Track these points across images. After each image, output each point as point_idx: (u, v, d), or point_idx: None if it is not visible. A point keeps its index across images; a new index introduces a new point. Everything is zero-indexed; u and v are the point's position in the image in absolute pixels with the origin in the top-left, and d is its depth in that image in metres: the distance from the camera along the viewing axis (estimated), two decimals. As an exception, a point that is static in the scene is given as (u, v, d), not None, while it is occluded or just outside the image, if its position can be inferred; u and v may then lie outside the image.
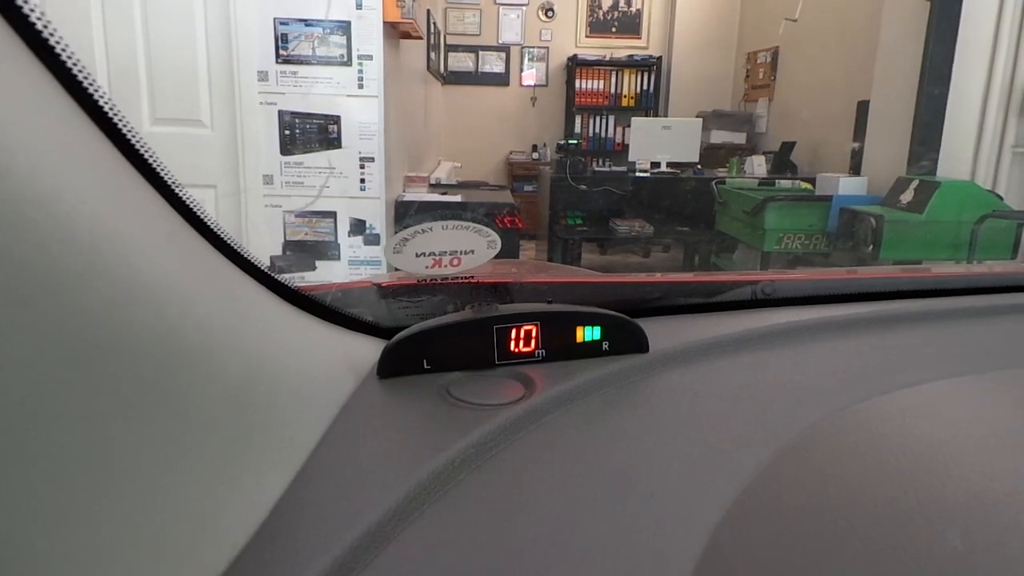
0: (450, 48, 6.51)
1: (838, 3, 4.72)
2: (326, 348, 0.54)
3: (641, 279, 0.88)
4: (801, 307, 0.74)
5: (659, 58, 6.63)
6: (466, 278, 0.60)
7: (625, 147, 5.38)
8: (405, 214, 3.25)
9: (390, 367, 0.56)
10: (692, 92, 6.53)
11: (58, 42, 0.31)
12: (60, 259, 0.27)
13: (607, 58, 6.62)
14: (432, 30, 4.92)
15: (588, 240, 4.89)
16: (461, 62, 6.63)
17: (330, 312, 0.57)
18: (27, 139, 0.27)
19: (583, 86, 6.60)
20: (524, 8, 6.63)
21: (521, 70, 6.75)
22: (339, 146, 2.91)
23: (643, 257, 5.86)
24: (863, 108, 3.95)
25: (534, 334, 0.58)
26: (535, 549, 0.36)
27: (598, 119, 6.68)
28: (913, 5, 3.43)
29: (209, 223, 0.41)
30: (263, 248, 2.95)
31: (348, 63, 2.84)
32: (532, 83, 6.77)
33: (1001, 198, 3.22)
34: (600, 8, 6.69)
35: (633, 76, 6.64)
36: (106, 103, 0.34)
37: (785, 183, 4.32)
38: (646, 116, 6.39)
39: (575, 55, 6.62)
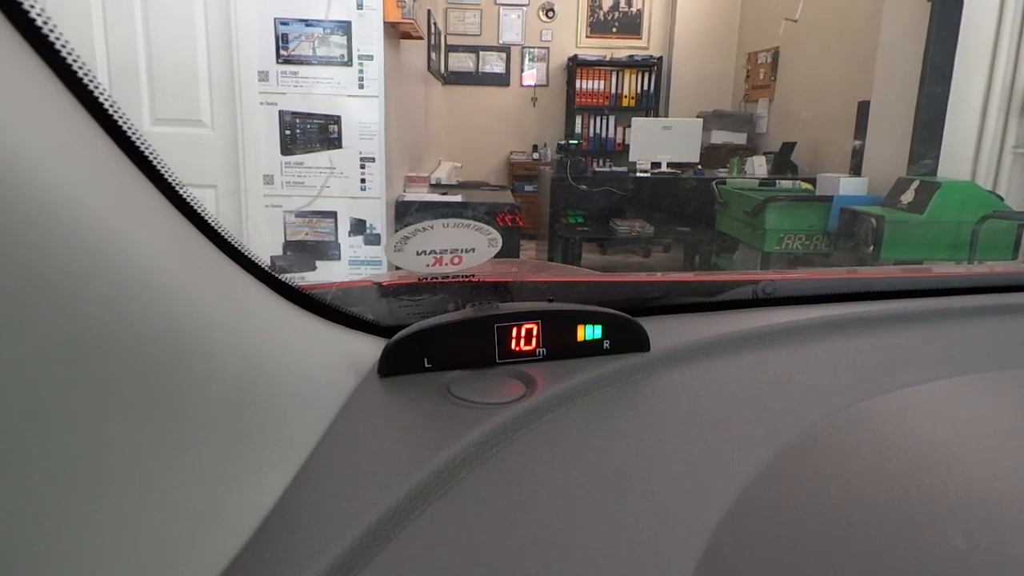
0: (451, 48, 6.51)
1: (838, 3, 4.72)
2: (326, 347, 0.54)
3: (642, 278, 0.88)
4: (802, 306, 0.74)
5: (659, 58, 6.63)
6: (467, 277, 0.60)
7: (625, 147, 5.38)
8: (405, 214, 3.25)
9: (391, 366, 0.56)
10: (692, 92, 6.53)
11: (58, 39, 0.31)
12: (61, 258, 0.27)
13: (607, 58, 6.62)
14: (433, 30, 4.92)
15: (588, 240, 4.89)
16: (462, 62, 6.63)
17: (331, 311, 0.57)
18: (29, 138, 0.27)
19: (583, 86, 6.60)
20: (525, 8, 6.63)
21: (522, 70, 6.75)
22: (339, 146, 2.91)
23: (643, 257, 5.86)
24: (864, 108, 3.95)
25: (535, 333, 0.58)
26: (536, 548, 0.36)
27: (598, 119, 6.68)
28: (914, 5, 3.43)
29: (210, 222, 0.41)
30: (263, 248, 2.95)
31: (349, 63, 2.84)
32: (533, 83, 6.77)
33: (1002, 199, 3.22)
34: (600, 8, 6.69)
35: (634, 76, 6.64)
36: (107, 102, 0.34)
37: (786, 183, 4.32)
38: (647, 116, 6.39)
39: (575, 55, 6.62)
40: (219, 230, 0.42)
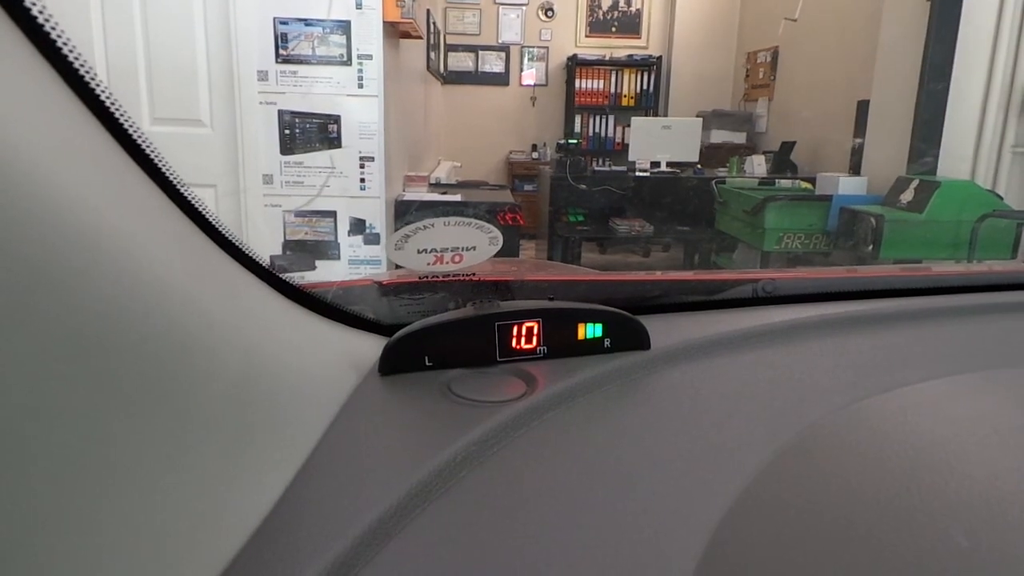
0: (450, 48, 6.50)
1: (838, 3, 4.72)
2: (327, 345, 0.54)
3: (642, 277, 0.88)
4: (801, 305, 0.74)
5: (659, 58, 6.62)
6: (467, 275, 0.59)
7: (625, 147, 5.38)
8: (405, 213, 3.24)
9: (391, 364, 0.56)
10: (692, 92, 6.52)
11: (59, 36, 0.30)
12: (62, 255, 0.27)
13: (607, 58, 6.62)
14: (432, 30, 4.92)
15: (588, 239, 4.89)
16: (461, 62, 6.63)
17: (331, 309, 0.57)
18: (30, 135, 0.27)
19: (583, 86, 6.60)
20: (524, 8, 6.63)
21: (521, 70, 6.75)
22: (339, 145, 2.91)
23: (643, 256, 5.86)
24: (863, 108, 3.95)
25: (536, 331, 0.58)
26: (536, 546, 0.36)
27: (598, 119, 6.68)
28: (913, 4, 3.43)
29: (211, 220, 0.41)
30: (263, 247, 2.95)
31: (348, 63, 2.84)
32: (532, 83, 6.77)
33: (1001, 198, 3.23)
34: (600, 8, 6.69)
35: (633, 76, 6.64)
36: (109, 100, 0.34)
37: (785, 183, 4.32)
38: (646, 116, 6.39)
39: (575, 55, 6.62)
40: (220, 229, 0.42)
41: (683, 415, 0.51)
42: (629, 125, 4.94)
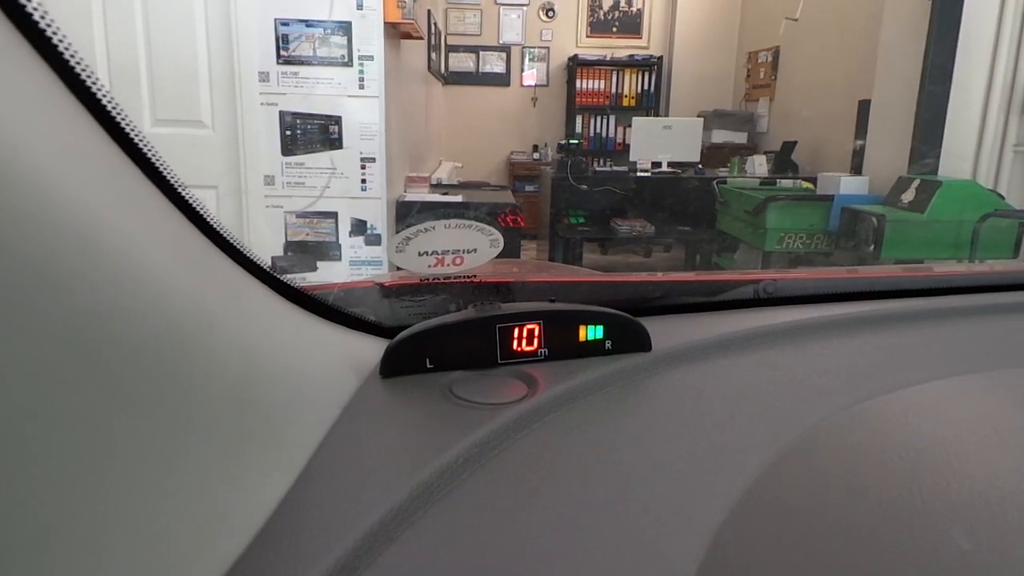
0: (451, 48, 6.51)
1: (839, 2, 4.72)
2: (328, 347, 0.54)
3: (643, 278, 0.88)
4: (803, 306, 0.74)
5: (660, 58, 6.62)
6: (468, 277, 0.59)
7: (626, 147, 5.38)
8: (406, 214, 3.25)
9: (393, 366, 0.56)
10: (693, 92, 6.52)
11: (61, 40, 0.31)
12: (62, 257, 0.27)
13: (608, 58, 6.62)
14: (433, 30, 4.92)
15: (589, 240, 4.89)
16: (462, 62, 6.63)
17: (332, 311, 0.57)
18: (30, 137, 0.27)
19: (584, 86, 6.60)
20: (525, 8, 6.63)
21: (522, 70, 6.75)
22: (340, 146, 2.91)
23: (644, 257, 5.85)
24: (864, 107, 3.94)
25: (537, 333, 0.58)
26: (538, 548, 0.36)
27: (599, 119, 6.68)
28: (914, 4, 3.43)
29: (212, 222, 0.41)
30: (264, 248, 2.95)
31: (349, 64, 2.84)
32: (533, 83, 6.77)
33: (1003, 197, 3.22)
34: (601, 8, 6.69)
35: (634, 76, 6.64)
36: (109, 102, 0.34)
37: (786, 183, 4.32)
38: (647, 116, 6.39)
39: (576, 55, 6.62)
40: (221, 231, 0.42)
41: (684, 417, 0.51)
42: (630, 125, 4.94)
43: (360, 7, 2.80)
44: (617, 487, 0.42)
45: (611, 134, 6.67)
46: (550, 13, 6.68)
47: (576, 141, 6.03)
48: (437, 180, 4.27)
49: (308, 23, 2.80)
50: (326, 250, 3.02)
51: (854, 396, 0.52)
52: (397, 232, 0.54)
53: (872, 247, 3.19)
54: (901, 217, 3.19)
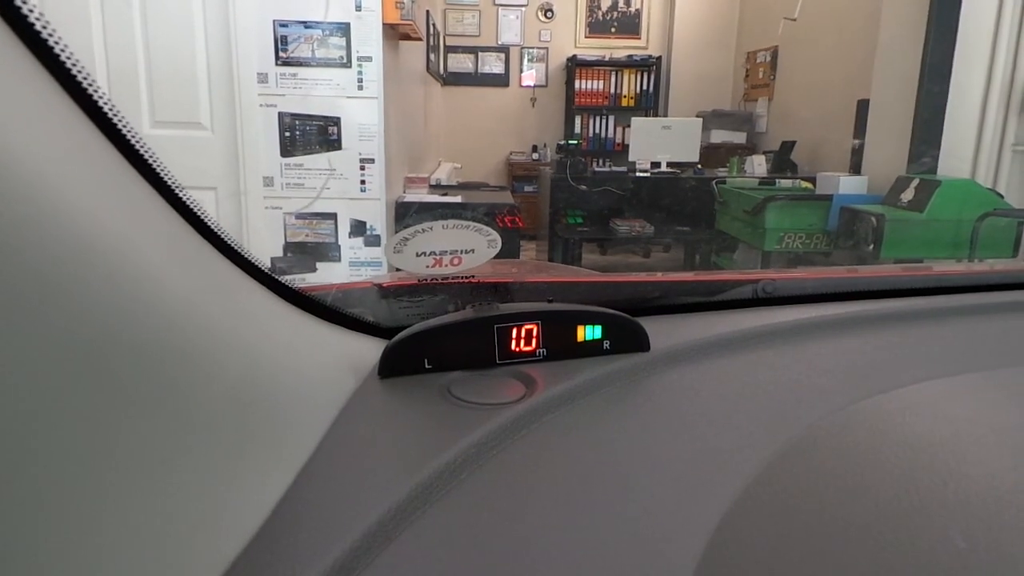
0: (449, 49, 6.51)
1: (837, 2, 4.72)
2: (327, 348, 0.54)
3: (642, 278, 0.88)
4: (802, 306, 0.74)
5: (658, 58, 6.63)
6: (467, 278, 0.60)
7: (625, 147, 5.38)
8: (405, 215, 3.25)
9: (391, 367, 0.56)
10: (692, 92, 6.53)
11: (57, 43, 0.31)
12: (62, 261, 0.27)
13: (606, 58, 6.63)
14: (431, 31, 4.92)
15: (588, 240, 4.89)
16: (460, 63, 6.63)
17: (331, 312, 0.57)
18: (28, 142, 0.27)
19: (583, 86, 6.61)
20: (523, 9, 6.64)
21: (521, 71, 6.75)
22: (339, 147, 2.91)
23: (643, 257, 5.86)
24: (863, 107, 3.94)
25: (535, 333, 0.58)
26: (536, 548, 0.36)
27: (598, 119, 6.68)
28: (912, 3, 3.43)
29: (210, 224, 0.41)
30: (264, 250, 2.95)
31: (348, 65, 2.84)
32: (532, 84, 6.77)
33: (1002, 196, 3.22)
34: (599, 8, 6.70)
35: (633, 76, 6.64)
36: (107, 105, 0.34)
37: (785, 182, 4.32)
38: (646, 116, 6.39)
39: (574, 55, 6.63)
40: (219, 233, 0.42)
41: (683, 416, 0.51)
42: (629, 125, 4.94)
43: (359, 8, 2.80)
44: (615, 487, 0.42)
45: (610, 134, 6.68)
46: (548, 14, 6.68)
47: (575, 141, 6.04)
48: (436, 181, 4.27)
49: (306, 24, 2.80)
50: (325, 251, 3.02)
51: (852, 395, 0.52)
52: (396, 233, 0.54)
53: (871, 246, 3.20)
54: (900, 216, 3.20)
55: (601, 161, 6.19)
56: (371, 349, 0.58)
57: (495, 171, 6.78)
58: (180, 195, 0.39)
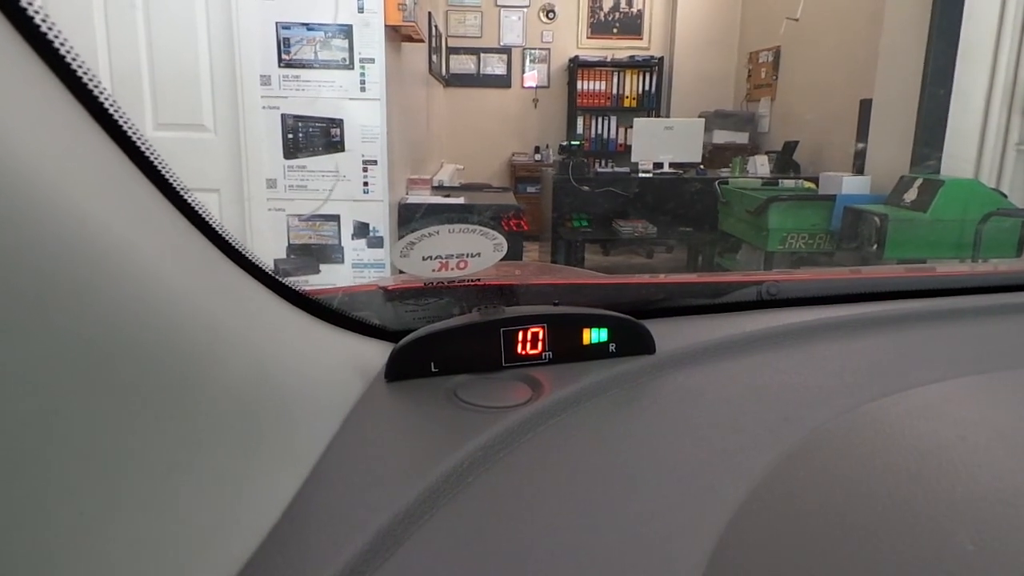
0: (452, 50, 6.52)
1: (840, 2, 4.72)
2: (333, 352, 0.54)
3: (646, 280, 0.88)
4: (806, 307, 0.74)
5: (661, 58, 6.63)
6: (472, 281, 0.60)
7: (628, 148, 5.38)
8: (409, 217, 3.25)
9: (398, 370, 0.56)
10: (694, 92, 6.52)
11: (63, 44, 0.31)
12: (68, 264, 0.27)
13: (609, 59, 6.62)
14: (433, 33, 4.93)
15: (591, 241, 4.89)
16: (463, 64, 6.64)
17: (337, 316, 0.57)
18: (34, 144, 0.27)
19: (585, 87, 6.61)
20: (525, 10, 6.64)
21: (523, 72, 6.75)
22: (342, 149, 2.91)
23: (646, 258, 5.85)
24: (866, 107, 3.94)
25: (541, 336, 0.58)
26: (544, 551, 0.37)
27: (600, 120, 6.68)
28: (915, 3, 3.43)
29: (216, 227, 0.42)
30: (267, 251, 2.96)
31: (350, 67, 2.84)
32: (534, 85, 6.77)
33: (1005, 196, 3.21)
34: (601, 9, 6.70)
35: (635, 77, 6.64)
36: (112, 107, 0.34)
37: (788, 183, 4.31)
38: (648, 117, 6.39)
39: (576, 56, 6.63)
40: (225, 236, 0.42)
41: (689, 419, 0.51)
42: (631, 126, 4.94)
43: (361, 10, 2.80)
44: (622, 489, 0.42)
45: (612, 135, 6.68)
46: (550, 15, 6.68)
47: (577, 142, 6.03)
48: (439, 182, 4.27)
49: (309, 26, 2.80)
50: (329, 253, 3.02)
51: (858, 398, 0.52)
52: (399, 234, 0.54)
53: (875, 247, 3.19)
54: (904, 216, 3.19)
55: (603, 162, 6.19)
56: (377, 352, 0.58)
57: (497, 172, 6.78)
58: (185, 197, 0.39)
